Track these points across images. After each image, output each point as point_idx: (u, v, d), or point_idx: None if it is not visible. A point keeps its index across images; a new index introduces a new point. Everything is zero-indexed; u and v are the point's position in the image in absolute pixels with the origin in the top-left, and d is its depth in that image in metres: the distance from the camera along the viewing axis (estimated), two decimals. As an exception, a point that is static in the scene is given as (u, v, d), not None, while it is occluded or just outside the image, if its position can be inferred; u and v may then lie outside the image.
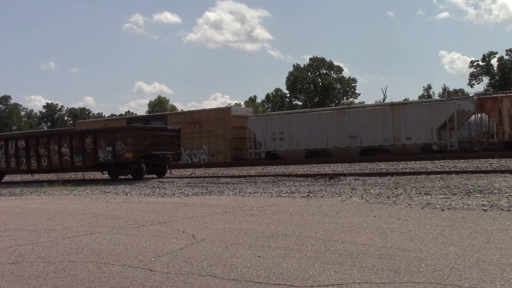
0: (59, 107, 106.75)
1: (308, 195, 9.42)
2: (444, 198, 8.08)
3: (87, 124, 37.48)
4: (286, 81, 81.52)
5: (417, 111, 23.71)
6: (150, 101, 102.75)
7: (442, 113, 23.03)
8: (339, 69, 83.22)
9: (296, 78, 79.94)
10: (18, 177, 24.50)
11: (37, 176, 22.14)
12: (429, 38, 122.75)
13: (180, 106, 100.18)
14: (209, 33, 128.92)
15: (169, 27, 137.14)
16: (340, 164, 20.22)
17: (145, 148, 17.56)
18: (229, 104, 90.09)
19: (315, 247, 4.70)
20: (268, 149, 27.52)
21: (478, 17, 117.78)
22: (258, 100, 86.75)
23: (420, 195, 8.64)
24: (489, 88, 70.47)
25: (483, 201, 7.48)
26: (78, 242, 5.53)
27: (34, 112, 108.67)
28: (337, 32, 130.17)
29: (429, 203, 7.41)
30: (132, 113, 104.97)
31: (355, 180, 12.73)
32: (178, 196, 10.69)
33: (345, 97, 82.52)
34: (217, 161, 28.14)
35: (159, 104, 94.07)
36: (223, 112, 30.24)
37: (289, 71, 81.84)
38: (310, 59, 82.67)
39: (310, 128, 26.09)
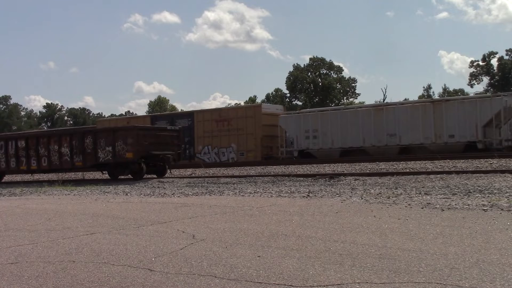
0: (59, 107, 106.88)
1: (308, 195, 9.42)
2: (444, 198, 8.08)
3: (109, 122, 36.51)
4: (286, 81, 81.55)
5: (460, 108, 22.70)
6: (150, 101, 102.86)
7: (488, 110, 21.98)
8: (339, 69, 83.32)
9: (296, 78, 79.93)
10: (18, 177, 24.49)
11: (37, 176, 22.12)
12: (428, 38, 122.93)
13: (180, 106, 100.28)
14: (208, 33, 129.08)
15: (168, 27, 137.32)
16: (340, 164, 20.22)
17: (145, 148, 17.55)
18: (229, 104, 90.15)
19: (315, 247, 4.70)
20: (300, 148, 26.56)
21: (477, 17, 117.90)
22: (258, 100, 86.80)
23: (420, 195, 8.64)
24: (489, 88, 70.47)
25: (483, 201, 7.48)
26: (78, 242, 5.53)
27: (34, 112, 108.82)
28: (337, 32, 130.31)
29: (429, 203, 7.41)
30: (132, 113, 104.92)
31: (355, 180, 12.72)
32: (178, 196, 10.68)
33: (345, 97, 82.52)
34: (247, 159, 27.36)
35: (159, 104, 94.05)
36: (253, 110, 29.46)
37: (289, 71, 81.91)
38: (310, 59, 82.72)
39: (345, 125, 25.17)
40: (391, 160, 20.31)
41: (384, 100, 67.17)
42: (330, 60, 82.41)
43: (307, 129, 26.32)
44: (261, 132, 28.10)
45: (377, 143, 24.44)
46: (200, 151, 30.15)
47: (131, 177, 17.85)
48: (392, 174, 13.76)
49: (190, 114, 31.88)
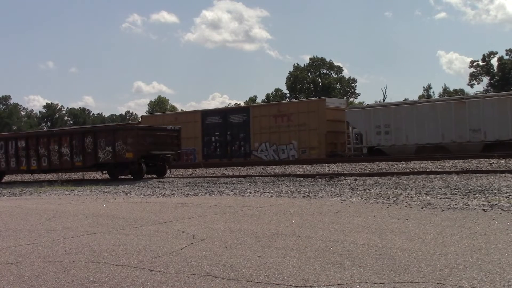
0: (59, 107, 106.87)
1: (308, 195, 9.42)
2: (444, 198, 8.08)
3: (155, 118, 34.93)
4: (286, 81, 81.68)
5: None
6: (150, 101, 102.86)
7: None
8: (339, 69, 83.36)
9: (296, 78, 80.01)
10: (18, 177, 24.49)
11: (37, 176, 22.13)
12: (427, 38, 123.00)
13: (180, 106, 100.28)
14: (206, 32, 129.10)
15: (167, 26, 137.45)
16: (340, 164, 20.23)
17: (145, 148, 17.55)
18: (228, 104, 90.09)
19: (315, 247, 4.70)
20: (371, 144, 24.98)
21: (476, 17, 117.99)
22: (258, 100, 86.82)
23: (420, 195, 8.64)
24: (489, 88, 70.47)
25: (483, 201, 7.48)
26: (78, 242, 5.53)
27: (34, 112, 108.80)
28: (337, 32, 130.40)
29: (429, 203, 7.41)
30: (132, 113, 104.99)
31: (355, 180, 12.72)
32: (178, 196, 10.68)
33: (345, 97, 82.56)
34: (309, 157, 25.78)
35: (159, 104, 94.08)
36: (316, 104, 27.54)
37: (289, 71, 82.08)
38: (310, 59, 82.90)
39: (421, 120, 23.54)
40: (390, 160, 20.31)
41: (384, 100, 67.15)
42: (330, 60, 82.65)
43: (378, 124, 24.66)
44: (326, 128, 26.33)
45: (458, 139, 22.80)
46: (256, 148, 28.47)
47: (131, 177, 17.85)
48: (392, 174, 13.76)
49: (245, 109, 30.27)
